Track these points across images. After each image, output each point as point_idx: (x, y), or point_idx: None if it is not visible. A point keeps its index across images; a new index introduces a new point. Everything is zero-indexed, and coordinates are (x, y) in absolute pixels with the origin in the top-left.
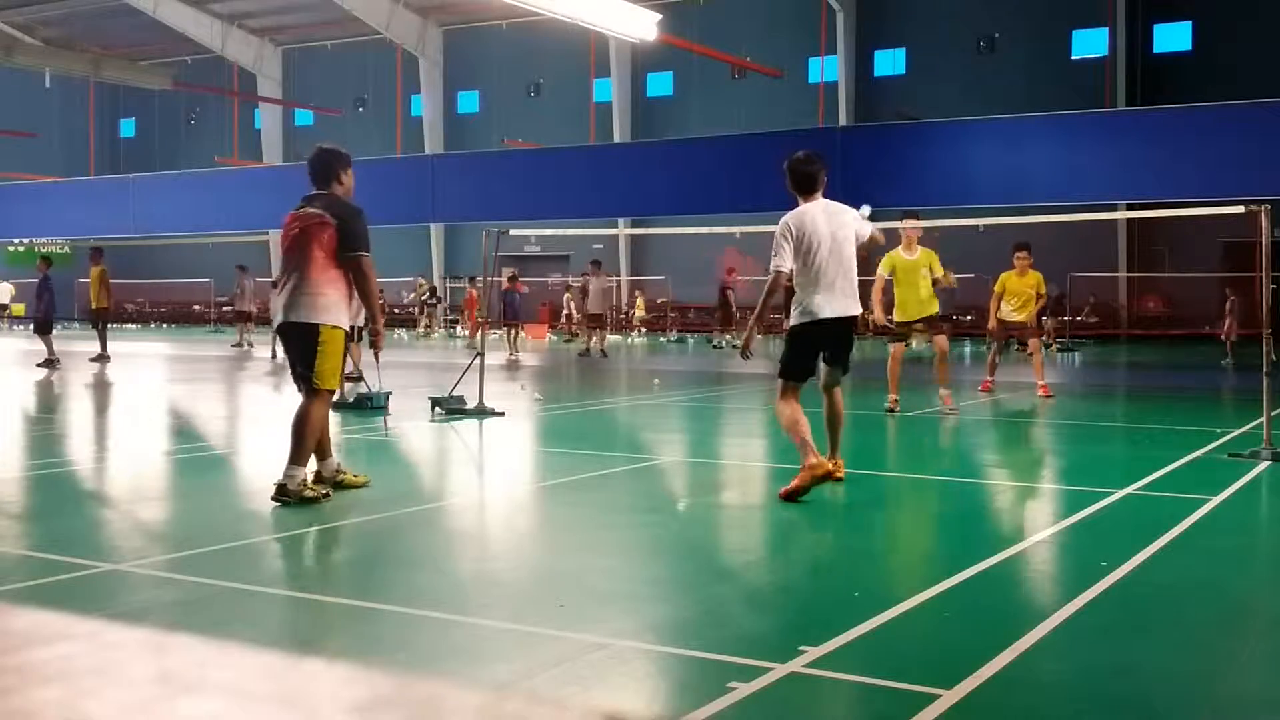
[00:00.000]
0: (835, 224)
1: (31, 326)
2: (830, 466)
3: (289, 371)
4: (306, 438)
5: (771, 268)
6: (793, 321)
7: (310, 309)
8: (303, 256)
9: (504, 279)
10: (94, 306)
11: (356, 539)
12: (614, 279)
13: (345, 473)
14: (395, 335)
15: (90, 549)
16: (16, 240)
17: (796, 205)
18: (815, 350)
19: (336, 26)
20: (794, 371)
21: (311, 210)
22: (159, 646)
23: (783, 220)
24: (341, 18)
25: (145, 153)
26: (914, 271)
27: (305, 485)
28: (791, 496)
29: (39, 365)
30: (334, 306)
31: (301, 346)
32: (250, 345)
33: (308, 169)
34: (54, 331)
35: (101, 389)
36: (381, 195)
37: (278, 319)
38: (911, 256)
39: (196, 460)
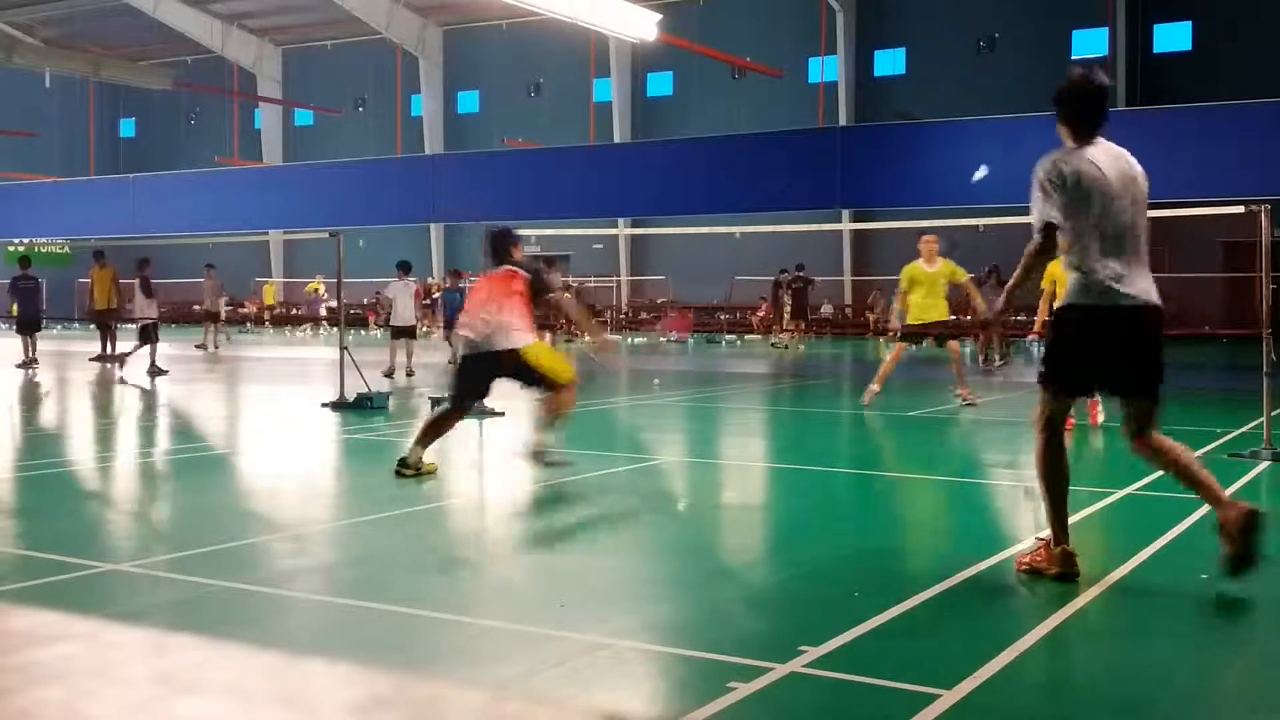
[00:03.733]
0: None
1: (15, 327)
2: None
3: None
4: (558, 418)
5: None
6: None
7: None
8: (500, 300)
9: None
10: (101, 308)
11: (357, 539)
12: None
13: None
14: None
15: (90, 549)
16: (16, 240)
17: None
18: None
19: (336, 26)
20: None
21: (505, 268)
22: (159, 646)
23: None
24: (341, 18)
25: (145, 153)
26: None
27: (545, 449)
28: None
29: (17, 366)
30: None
31: (511, 367)
32: (217, 347)
33: (488, 248)
34: (40, 331)
35: (102, 389)
36: (381, 195)
37: (483, 346)
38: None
39: (196, 460)
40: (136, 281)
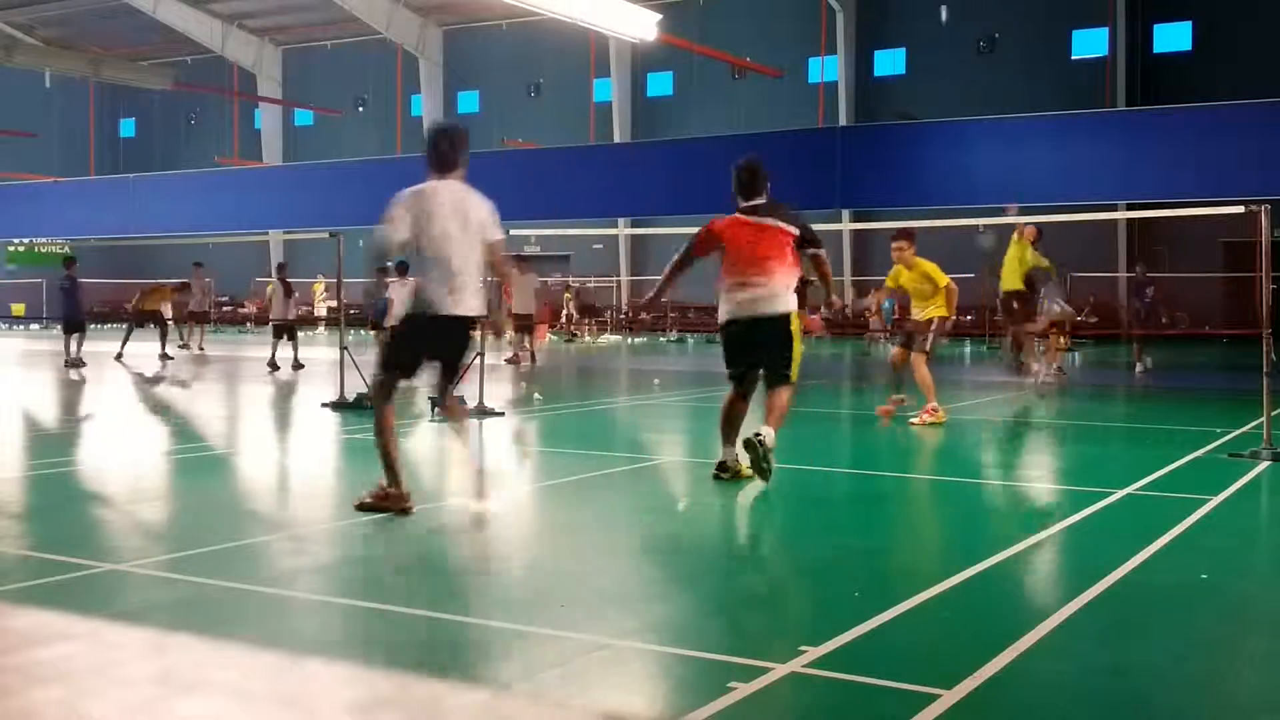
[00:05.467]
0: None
1: (61, 326)
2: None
3: None
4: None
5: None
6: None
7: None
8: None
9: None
10: (147, 308)
11: (356, 539)
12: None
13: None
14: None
15: (90, 549)
16: (16, 240)
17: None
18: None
19: (336, 26)
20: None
21: (772, 220)
22: (159, 646)
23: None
24: (341, 18)
25: (145, 153)
26: None
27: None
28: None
29: (66, 365)
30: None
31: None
32: (202, 349)
33: (744, 181)
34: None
35: (107, 389)
36: (381, 195)
37: (745, 314)
38: None
39: (196, 460)
40: (277, 282)
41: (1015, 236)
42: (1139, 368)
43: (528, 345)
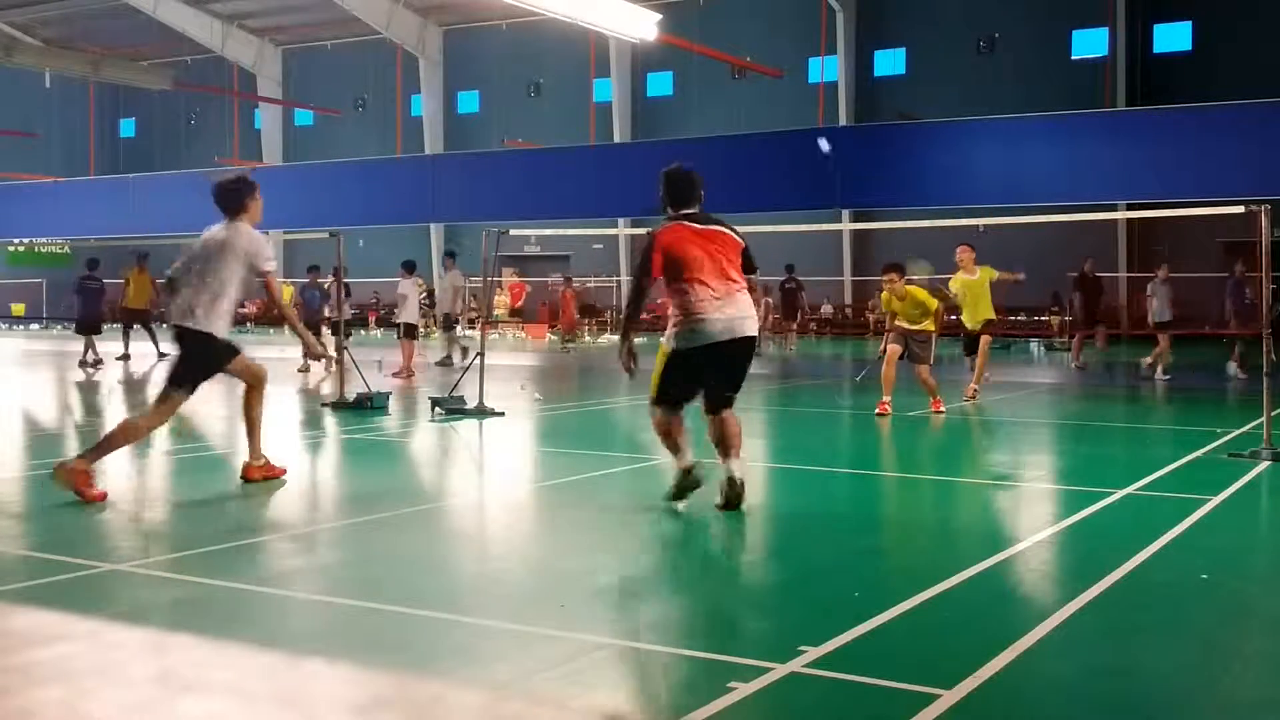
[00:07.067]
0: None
1: (75, 328)
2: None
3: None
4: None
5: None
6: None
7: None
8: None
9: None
10: (139, 306)
11: (357, 539)
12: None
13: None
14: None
15: (90, 549)
16: (16, 240)
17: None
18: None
19: (336, 26)
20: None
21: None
22: (159, 646)
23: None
24: (341, 18)
25: (145, 153)
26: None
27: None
28: None
29: (80, 364)
30: None
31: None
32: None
33: (682, 186)
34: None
35: (119, 389)
36: (381, 195)
37: (728, 335)
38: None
39: (196, 460)
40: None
41: (966, 265)
42: (1231, 370)
43: (454, 345)
